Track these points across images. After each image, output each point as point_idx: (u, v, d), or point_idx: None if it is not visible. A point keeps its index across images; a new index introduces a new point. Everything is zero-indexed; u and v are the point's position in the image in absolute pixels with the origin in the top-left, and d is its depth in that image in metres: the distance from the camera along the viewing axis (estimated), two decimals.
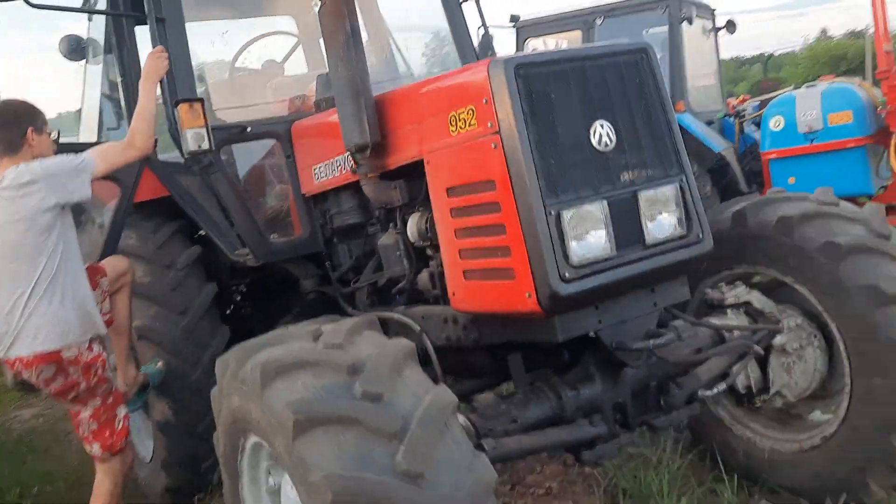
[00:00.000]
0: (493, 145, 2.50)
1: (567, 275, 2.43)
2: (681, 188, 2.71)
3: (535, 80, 2.48)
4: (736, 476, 3.42)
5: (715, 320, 3.21)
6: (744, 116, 8.39)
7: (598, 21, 8.53)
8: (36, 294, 3.07)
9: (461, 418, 2.48)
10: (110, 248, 3.89)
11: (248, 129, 3.74)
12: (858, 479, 3.08)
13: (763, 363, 3.24)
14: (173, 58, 3.52)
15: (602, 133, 2.56)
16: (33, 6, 3.46)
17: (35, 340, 3.08)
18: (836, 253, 2.98)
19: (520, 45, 9.10)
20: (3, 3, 3.51)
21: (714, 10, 9.27)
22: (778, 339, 3.18)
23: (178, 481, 3.97)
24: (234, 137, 3.70)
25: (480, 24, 4.79)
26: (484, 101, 2.51)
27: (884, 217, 3.28)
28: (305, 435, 2.05)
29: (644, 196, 2.62)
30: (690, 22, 8.04)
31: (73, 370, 3.16)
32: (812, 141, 7.43)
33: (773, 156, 7.68)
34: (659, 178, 2.67)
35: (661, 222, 2.66)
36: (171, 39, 3.59)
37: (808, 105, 7.51)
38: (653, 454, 3.59)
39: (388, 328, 2.86)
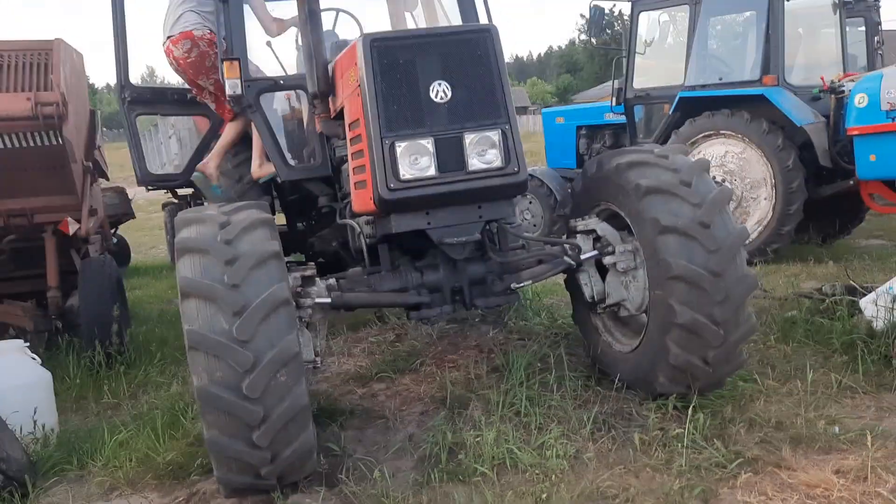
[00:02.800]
0: (358, 95, 3.69)
1: (392, 186, 3.57)
2: (503, 133, 3.69)
3: (385, 50, 3.60)
4: (597, 368, 4.37)
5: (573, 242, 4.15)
6: (842, 93, 8.40)
7: None
8: None
9: (331, 281, 3.76)
10: (195, 163, 5.52)
11: (281, 82, 5.15)
12: (653, 374, 3.91)
13: (604, 279, 4.14)
14: (231, 26, 5.00)
15: (440, 90, 3.63)
16: None
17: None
18: (640, 191, 3.80)
19: (634, 17, 9.72)
20: None
21: None
22: (608, 259, 4.05)
23: None
24: (269, 87, 5.13)
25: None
26: (356, 63, 3.70)
27: (702, 166, 3.92)
28: (186, 300, 3.19)
29: (469, 137, 3.65)
30: None
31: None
32: (893, 120, 7.45)
33: (856, 132, 7.76)
34: (486, 125, 3.68)
35: (484, 156, 3.68)
36: (232, 14, 5.05)
37: (893, 84, 7.52)
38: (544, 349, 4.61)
39: None
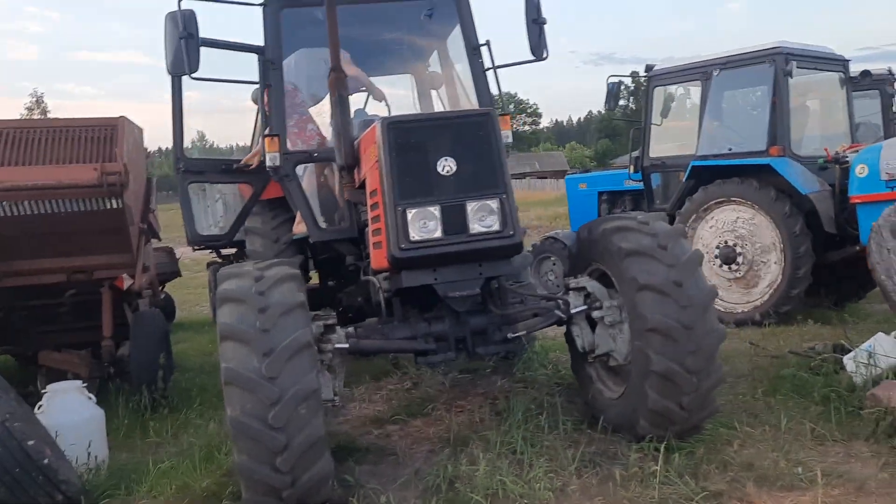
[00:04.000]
0: (377, 168, 4.30)
1: (403, 246, 4.13)
2: (501, 202, 4.24)
3: (399, 132, 4.22)
4: (590, 414, 4.81)
5: (564, 298, 4.66)
6: (846, 163, 8.84)
7: (715, 73, 9.52)
8: None
9: (349, 329, 4.32)
10: (239, 225, 6.17)
11: (315, 154, 5.82)
12: (635, 418, 4.34)
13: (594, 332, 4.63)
14: (273, 106, 5.70)
15: (446, 165, 4.21)
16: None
17: None
18: (622, 253, 4.31)
19: (650, 90, 10.35)
20: None
21: (848, 60, 9.76)
22: (596, 313, 4.54)
23: None
24: (304, 159, 5.79)
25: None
26: (375, 142, 4.32)
27: (677, 232, 4.42)
28: (224, 342, 3.79)
29: (471, 205, 4.21)
30: (790, 75, 8.75)
31: None
32: (892, 189, 7.86)
33: (859, 201, 8.18)
34: (486, 195, 4.24)
35: (483, 221, 4.23)
36: (276, 95, 5.75)
37: (891, 155, 7.96)
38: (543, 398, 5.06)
39: None
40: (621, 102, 10.63)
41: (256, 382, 3.62)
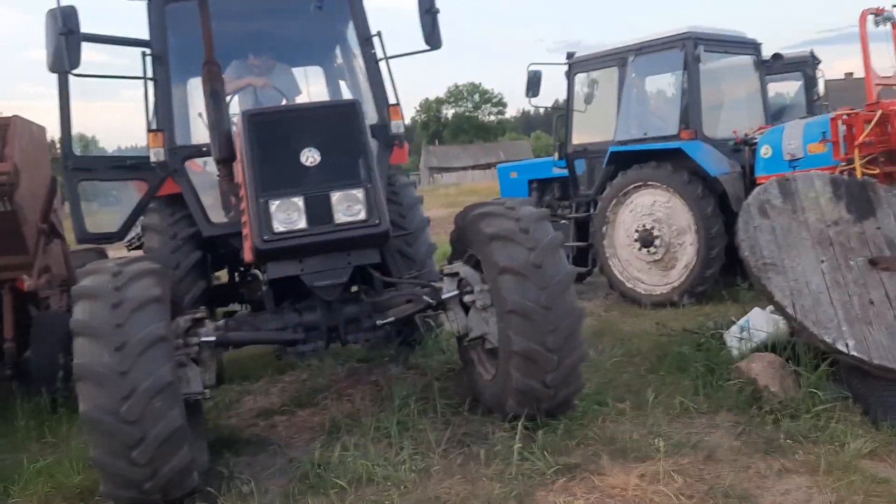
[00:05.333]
0: (240, 161, 4.32)
1: (266, 237, 4.17)
2: (366, 191, 4.30)
3: (261, 123, 4.25)
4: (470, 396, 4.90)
5: (437, 284, 4.72)
6: (754, 144, 9.04)
7: (631, 59, 9.67)
8: None
9: (220, 322, 4.34)
10: (131, 222, 6.14)
11: (203, 149, 5.80)
12: (504, 398, 4.43)
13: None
14: (159, 102, 5.67)
15: (310, 155, 4.25)
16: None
17: None
18: (486, 238, 4.39)
19: (570, 78, 10.47)
20: None
21: (760, 44, 9.96)
22: (467, 298, 4.62)
23: None
24: (192, 154, 5.78)
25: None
26: (239, 133, 4.33)
27: (541, 216, 4.52)
28: (76, 339, 3.76)
29: (335, 194, 4.26)
30: (699, 60, 8.92)
31: None
32: (794, 168, 8.05)
33: (764, 181, 8.34)
34: (350, 184, 4.29)
35: (349, 211, 4.28)
36: (163, 91, 5.73)
37: (793, 135, 8.16)
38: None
39: None
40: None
41: (107, 377, 3.64)
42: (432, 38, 6.02)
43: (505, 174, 12.22)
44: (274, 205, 4.18)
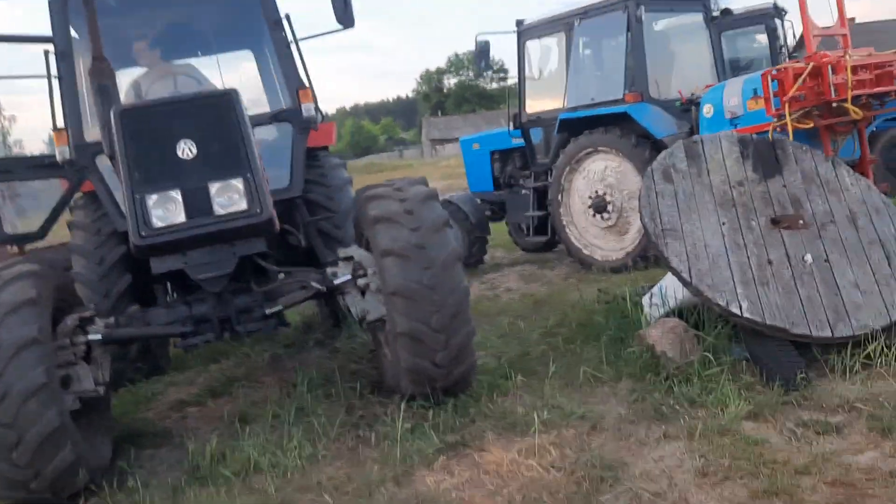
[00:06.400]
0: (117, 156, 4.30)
1: (143, 233, 4.16)
2: (246, 180, 4.27)
3: (132, 118, 4.22)
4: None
5: (331, 268, 4.71)
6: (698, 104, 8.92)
7: (576, 23, 9.54)
8: None
9: (111, 319, 4.36)
10: (52, 221, 6.14)
11: None
12: (398, 378, 4.44)
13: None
14: (65, 99, 5.64)
15: (185, 147, 4.23)
16: None
17: None
18: (371, 221, 4.37)
19: (521, 45, 10.34)
20: None
21: (708, 1, 9.78)
22: (361, 281, 4.61)
23: None
24: (100, 150, 5.75)
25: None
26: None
27: (428, 196, 4.49)
28: None
29: (214, 186, 4.24)
30: (640, 21, 8.79)
31: None
32: (735, 126, 7.94)
33: None
34: (228, 175, 4.27)
35: (228, 201, 4.26)
36: (67, 87, 5.70)
37: (732, 92, 8.03)
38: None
39: None
40: None
41: None
42: (345, 18, 5.97)
43: (468, 146, 12.13)
44: (151, 199, 4.17)
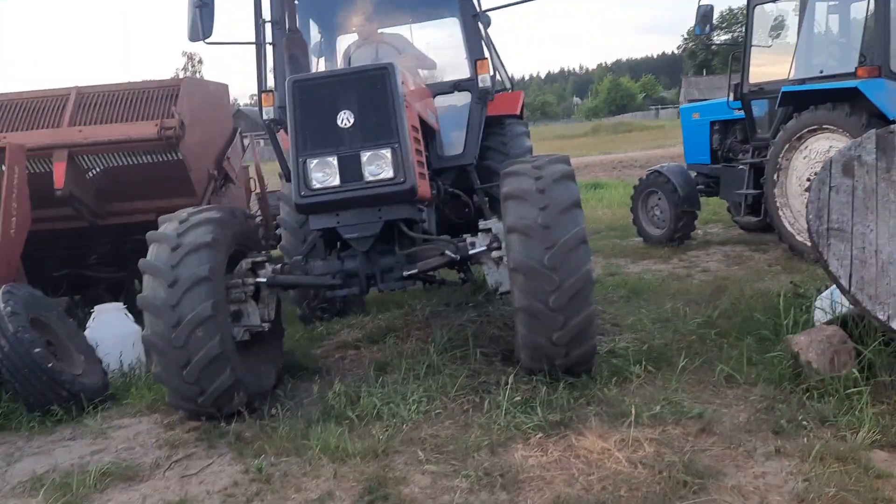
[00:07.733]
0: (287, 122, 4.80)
1: (303, 193, 4.64)
2: (394, 150, 4.57)
3: (304, 88, 4.67)
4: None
5: (471, 238, 4.92)
6: None
7: None
8: None
9: (277, 266, 4.97)
10: None
11: None
12: (519, 352, 4.56)
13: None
14: (276, 66, 6.32)
15: (345, 118, 4.62)
16: None
17: None
18: (503, 197, 4.47)
19: (750, 11, 9.58)
20: None
21: None
22: (495, 254, 4.75)
23: None
24: None
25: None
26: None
27: (563, 175, 4.41)
28: (144, 276, 4.49)
29: (365, 154, 4.60)
30: None
31: None
32: None
33: None
34: (378, 144, 4.59)
35: (377, 169, 4.60)
36: (279, 58, 6.37)
37: None
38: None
39: None
40: None
41: (161, 309, 4.38)
42: None
43: (687, 115, 11.58)
44: (312, 163, 4.62)
